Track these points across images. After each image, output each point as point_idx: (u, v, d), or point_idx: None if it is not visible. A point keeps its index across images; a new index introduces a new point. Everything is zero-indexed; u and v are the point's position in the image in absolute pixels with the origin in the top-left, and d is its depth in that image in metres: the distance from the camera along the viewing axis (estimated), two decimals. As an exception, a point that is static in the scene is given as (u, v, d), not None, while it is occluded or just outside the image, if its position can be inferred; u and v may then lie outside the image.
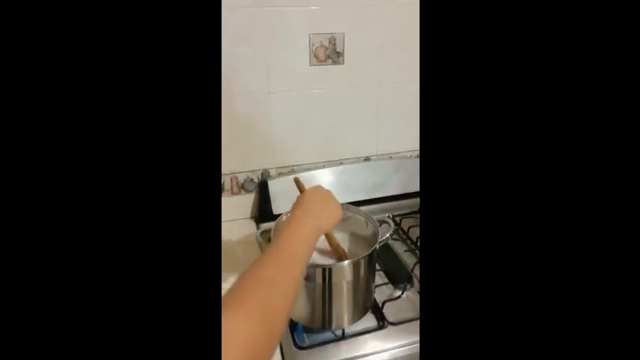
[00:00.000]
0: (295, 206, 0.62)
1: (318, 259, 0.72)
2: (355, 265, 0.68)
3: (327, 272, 0.67)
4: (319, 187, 0.66)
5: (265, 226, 0.93)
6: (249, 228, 1.03)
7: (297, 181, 0.69)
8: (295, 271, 0.49)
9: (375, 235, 0.72)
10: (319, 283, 0.67)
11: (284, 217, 0.75)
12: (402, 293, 0.80)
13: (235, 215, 1.05)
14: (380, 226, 0.75)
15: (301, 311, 0.71)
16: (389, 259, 0.90)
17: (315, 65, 0.96)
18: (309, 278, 0.67)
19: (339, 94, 1.02)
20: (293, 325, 0.73)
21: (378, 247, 0.71)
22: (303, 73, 0.97)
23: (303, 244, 0.54)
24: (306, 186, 0.68)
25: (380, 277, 0.85)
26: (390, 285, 0.83)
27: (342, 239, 0.80)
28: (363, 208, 1.01)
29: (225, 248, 0.94)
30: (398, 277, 0.84)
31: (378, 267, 0.86)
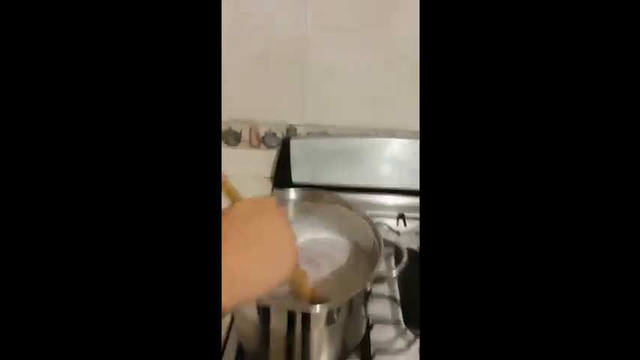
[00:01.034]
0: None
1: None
2: (329, 314, 0.48)
3: (287, 317, 0.47)
4: (263, 202, 0.40)
5: (278, 194, 0.76)
6: (264, 189, 0.89)
7: (223, 183, 0.43)
8: None
9: (375, 261, 0.51)
10: (277, 328, 0.48)
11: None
12: (410, 346, 0.57)
13: (251, 171, 0.90)
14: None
15: (253, 349, 0.55)
16: (413, 288, 0.66)
17: (373, -5, 0.73)
18: (264, 321, 0.48)
19: (402, 41, 0.77)
20: (240, 351, 0.56)
21: (369, 287, 0.50)
22: (355, 6, 0.75)
23: None
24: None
25: (392, 309, 0.63)
26: (401, 326, 0.61)
27: (342, 247, 0.60)
28: (407, 200, 0.83)
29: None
30: (416, 319, 0.61)
31: (396, 297, 0.65)
